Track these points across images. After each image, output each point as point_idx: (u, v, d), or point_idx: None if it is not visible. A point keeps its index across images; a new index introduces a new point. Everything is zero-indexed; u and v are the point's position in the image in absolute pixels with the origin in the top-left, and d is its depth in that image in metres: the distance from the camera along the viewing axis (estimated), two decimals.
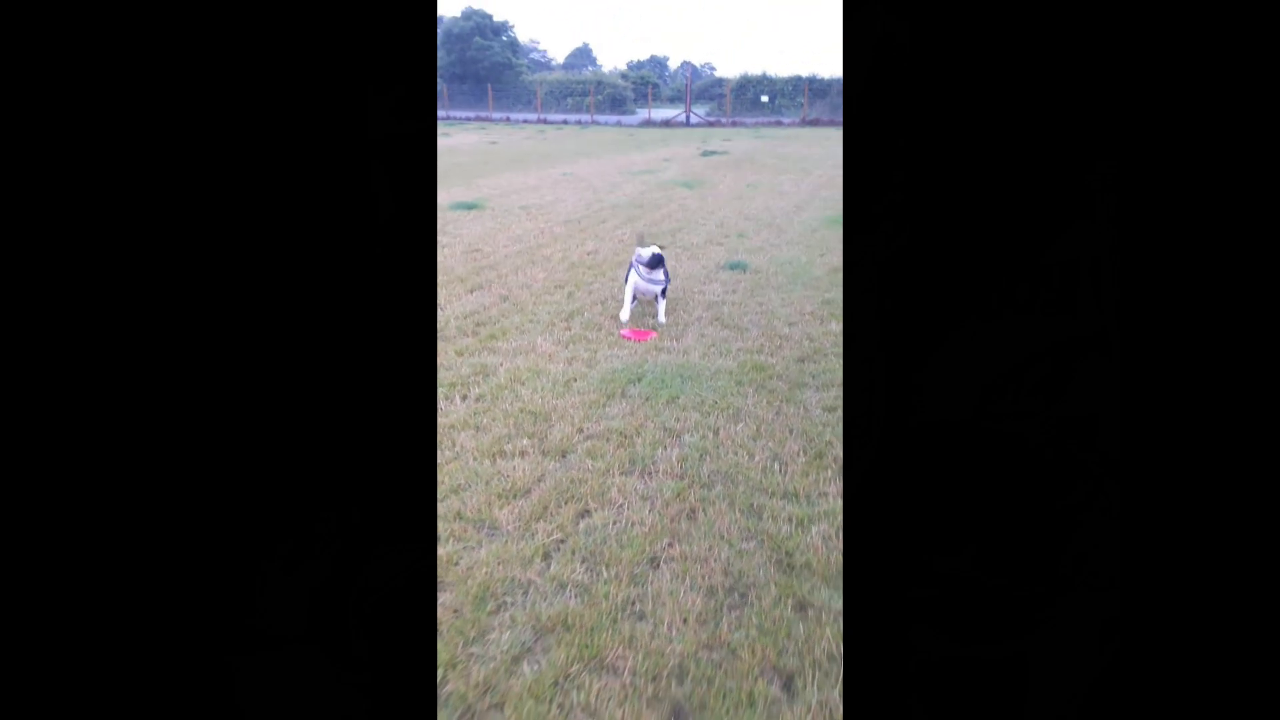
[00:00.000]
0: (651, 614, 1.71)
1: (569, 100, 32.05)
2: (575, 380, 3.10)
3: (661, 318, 3.83)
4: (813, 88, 26.71)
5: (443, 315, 3.99)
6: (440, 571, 1.86)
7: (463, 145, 16.36)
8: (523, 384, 3.06)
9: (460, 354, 3.42)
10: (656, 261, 3.71)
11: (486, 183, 9.66)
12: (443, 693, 1.49)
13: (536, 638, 1.65)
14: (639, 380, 3.08)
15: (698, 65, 68.73)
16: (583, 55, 72.74)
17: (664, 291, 3.80)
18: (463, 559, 1.91)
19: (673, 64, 68.64)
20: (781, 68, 32.52)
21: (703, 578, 1.83)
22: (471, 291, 4.50)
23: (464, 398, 2.93)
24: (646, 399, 2.89)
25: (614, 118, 28.62)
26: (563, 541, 1.99)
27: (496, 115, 29.74)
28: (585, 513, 2.13)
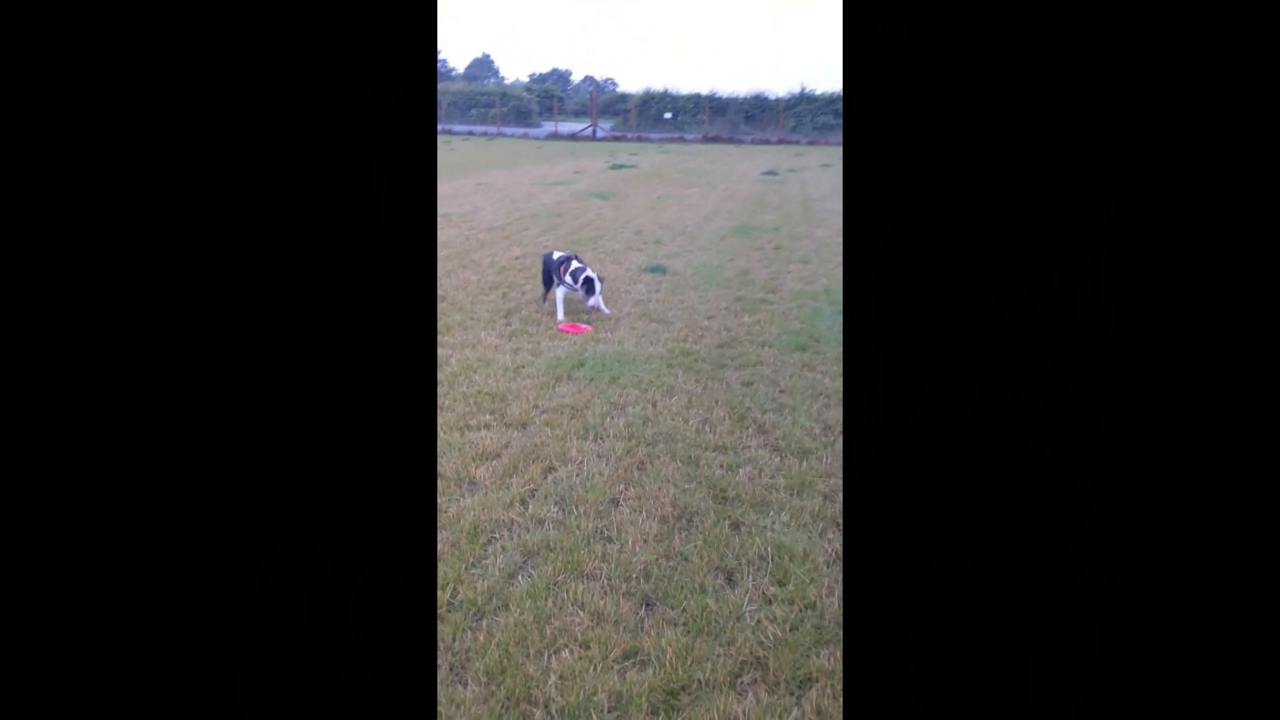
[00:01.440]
0: (617, 537, 2.11)
1: (473, 111, 31.88)
2: (523, 367, 3.46)
3: (603, 308, 4.35)
4: (712, 105, 27.95)
5: None
6: (439, 519, 2.17)
7: None
8: (475, 371, 3.38)
9: None
10: (564, 264, 4.27)
11: None
12: (455, 600, 1.82)
13: (525, 559, 2.01)
14: (581, 365, 3.47)
15: (599, 79, 69.47)
16: (483, 66, 72.08)
17: (590, 286, 4.19)
18: (450, 508, 2.24)
19: (575, 77, 69.22)
20: (681, 85, 33.63)
21: (655, 510, 2.25)
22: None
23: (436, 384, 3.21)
24: (591, 380, 3.29)
25: (520, 130, 28.79)
26: (535, 491, 2.35)
27: None
28: (550, 469, 2.50)
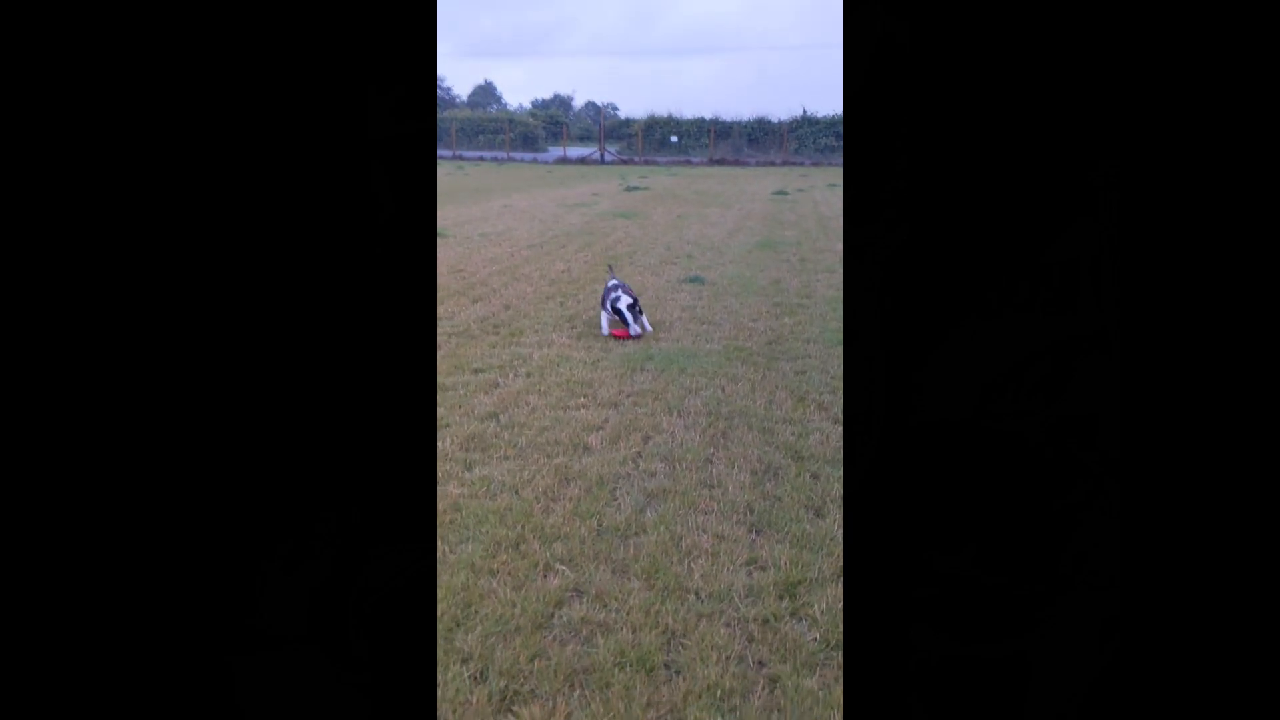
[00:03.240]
0: (719, 484, 2.56)
1: (480, 137, 32.64)
2: (599, 361, 3.92)
3: (646, 328, 4.44)
4: (716, 129, 28.74)
5: (461, 319, 4.72)
6: (565, 473, 2.62)
7: None
8: (558, 365, 3.85)
9: (493, 346, 4.17)
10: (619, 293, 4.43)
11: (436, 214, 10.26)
12: (602, 527, 2.27)
13: (648, 500, 2.46)
14: (650, 359, 3.93)
15: (600, 104, 70.55)
16: (486, 93, 73.34)
17: (630, 308, 4.30)
18: (573, 466, 2.69)
19: (576, 103, 70.45)
20: (684, 109, 34.54)
21: (745, 465, 2.70)
22: (475, 302, 5.23)
23: (516, 375, 3.68)
24: (661, 371, 3.75)
25: (529, 155, 29.51)
26: (640, 453, 2.81)
27: None
28: (648, 437, 2.95)
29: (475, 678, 1.64)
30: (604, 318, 4.47)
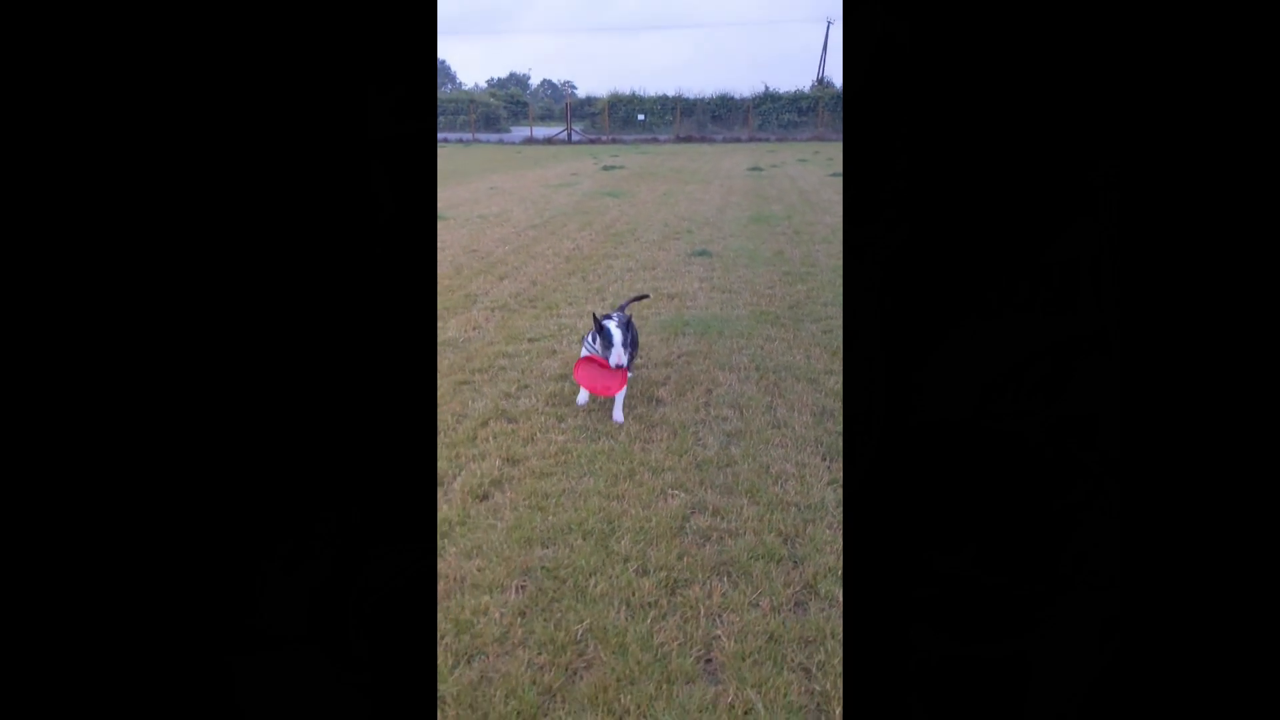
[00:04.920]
0: (786, 425, 2.95)
1: (441, 118, 32.22)
2: (640, 328, 4.26)
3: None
4: (681, 107, 28.95)
5: (497, 294, 5.01)
6: (647, 420, 2.98)
7: None
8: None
9: (537, 318, 4.48)
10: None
11: None
12: (696, 461, 2.64)
13: (727, 439, 2.84)
14: (687, 325, 4.29)
15: (557, 83, 69.69)
16: (441, 72, 71.87)
17: (624, 330, 2.98)
18: (652, 415, 3.05)
19: (533, 81, 69.45)
20: (645, 87, 34.63)
21: (804, 409, 3.10)
22: (501, 279, 5.51)
23: (569, 341, 4.01)
24: (701, 335, 4.12)
25: (494, 135, 29.30)
26: (707, 402, 3.18)
27: None
28: (709, 390, 3.33)
29: (638, 571, 2.01)
30: (585, 347, 3.10)
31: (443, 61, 75.59)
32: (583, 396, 3.14)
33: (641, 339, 4.03)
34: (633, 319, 3.28)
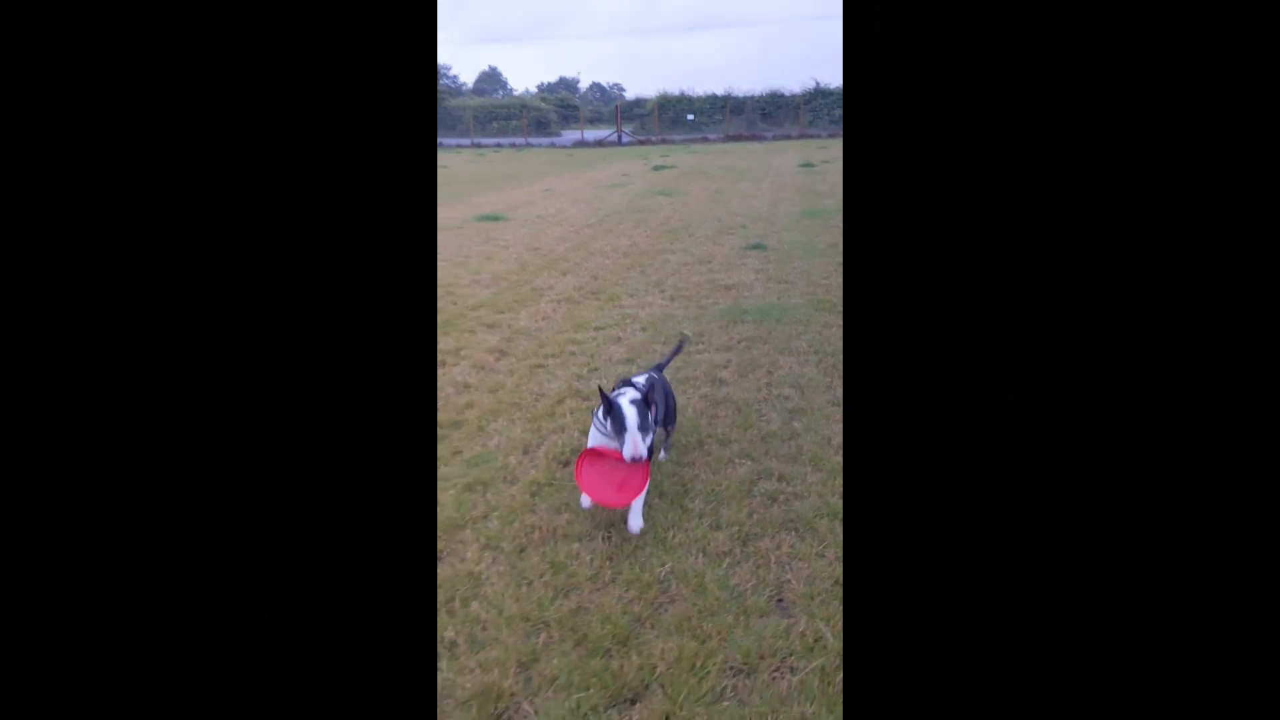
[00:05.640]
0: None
1: (494, 124, 33.01)
2: (700, 315, 4.45)
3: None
4: (731, 105, 29.00)
5: (562, 288, 5.27)
6: (712, 399, 3.17)
7: None
8: (665, 321, 4.38)
9: (600, 309, 4.71)
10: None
11: (484, 199, 10.80)
12: (767, 432, 2.81)
13: (791, 415, 3.00)
14: (745, 313, 4.46)
15: (606, 86, 70.24)
16: (491, 79, 73.29)
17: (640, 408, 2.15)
18: (716, 394, 3.24)
19: (582, 85, 70.28)
20: (693, 87, 34.72)
21: None
22: (564, 274, 5.76)
23: (632, 330, 4.23)
24: (759, 322, 4.28)
25: (545, 139, 29.88)
26: (769, 383, 3.35)
27: None
28: (771, 372, 3.49)
29: (711, 526, 2.21)
30: (593, 431, 2.29)
31: (494, 68, 77.11)
32: (586, 500, 2.22)
33: (699, 327, 4.23)
34: (666, 383, 2.47)
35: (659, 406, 2.30)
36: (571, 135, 30.13)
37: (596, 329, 4.31)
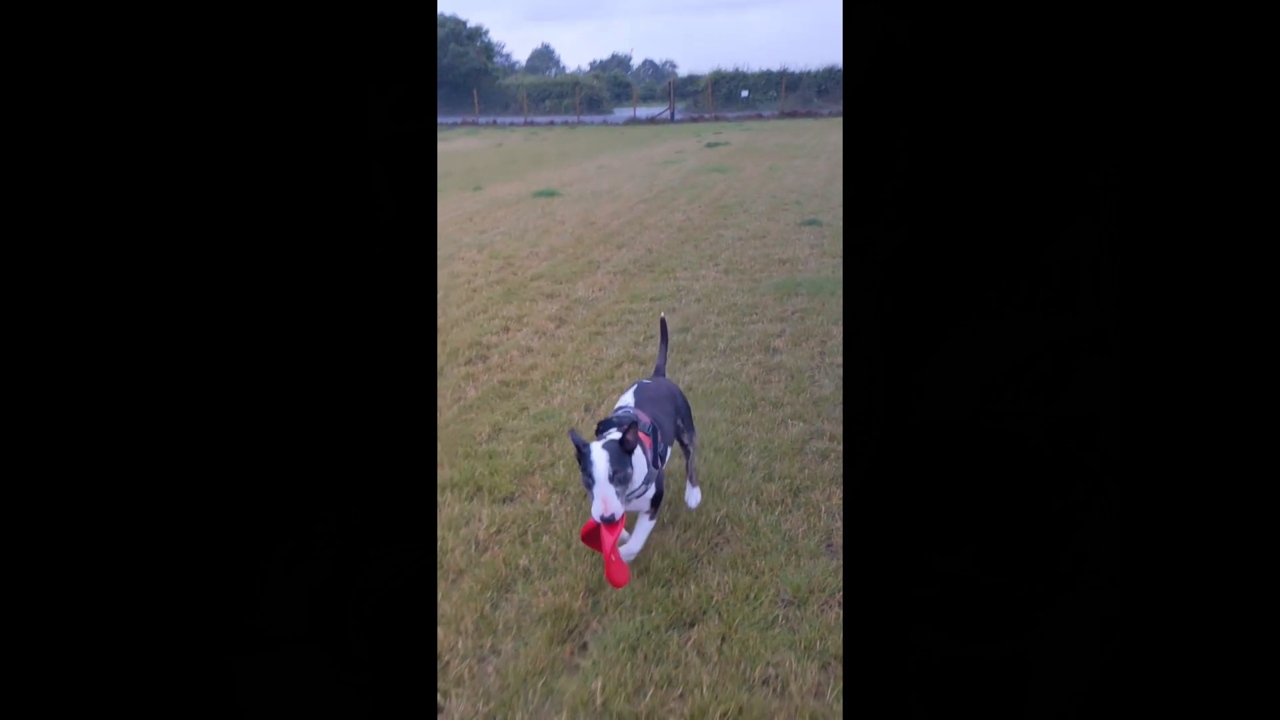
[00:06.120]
0: None
1: (546, 102, 33.20)
2: (753, 289, 4.54)
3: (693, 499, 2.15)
4: (787, 81, 28.50)
5: (617, 261, 5.41)
6: (764, 366, 3.28)
7: (470, 149, 17.57)
8: (719, 294, 4.48)
9: (655, 280, 4.84)
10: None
11: (539, 176, 10.99)
12: (818, 397, 2.91)
13: (839, 383, 3.09)
14: (798, 286, 4.53)
15: (658, 63, 69.61)
16: (544, 56, 73.43)
17: (655, 501, 1.88)
18: (769, 361, 3.34)
19: (634, 62, 69.86)
20: (748, 63, 34.08)
21: None
22: (619, 248, 5.90)
23: (687, 301, 4.35)
24: (813, 295, 4.35)
25: (597, 117, 29.94)
26: (822, 352, 3.43)
27: (482, 119, 30.84)
28: (824, 341, 3.57)
29: (765, 478, 2.33)
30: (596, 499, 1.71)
31: (546, 45, 77.14)
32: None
33: (753, 299, 4.31)
34: (671, 386, 2.16)
35: (663, 430, 1.93)
36: (624, 113, 30.09)
37: (652, 300, 4.44)
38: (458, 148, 17.86)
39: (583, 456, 1.73)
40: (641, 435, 1.82)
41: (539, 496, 2.30)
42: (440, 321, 4.15)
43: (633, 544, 1.87)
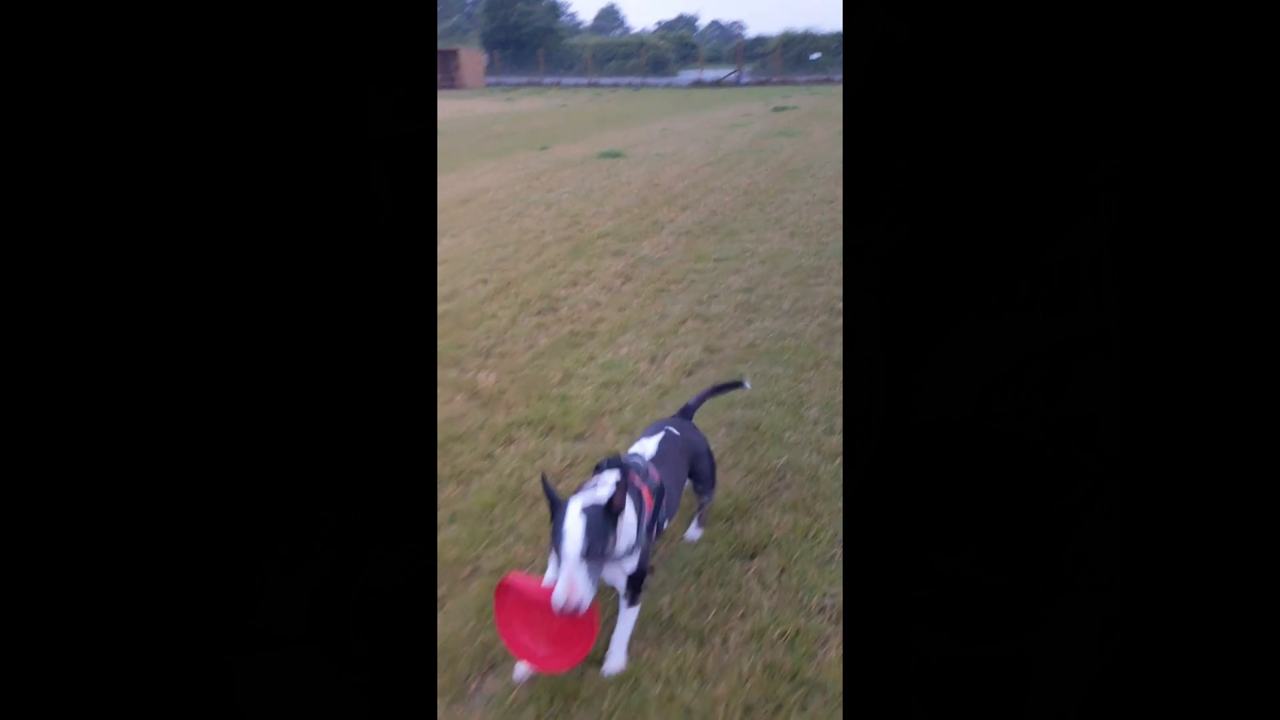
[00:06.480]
0: None
1: (611, 63, 32.88)
2: (820, 252, 4.55)
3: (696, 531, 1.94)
4: None
5: (681, 222, 5.47)
6: (828, 327, 3.32)
7: (535, 109, 17.62)
8: (784, 256, 4.51)
9: (719, 242, 4.90)
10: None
11: (604, 137, 11.02)
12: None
13: None
14: None
15: (725, 23, 67.82)
16: (610, 16, 72.41)
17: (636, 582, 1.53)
18: (833, 324, 3.37)
19: (701, 22, 68.25)
20: (821, 24, 32.81)
21: None
22: (684, 210, 5.95)
23: (752, 262, 4.39)
24: None
25: (662, 79, 29.55)
26: None
27: (547, 80, 30.81)
28: None
29: (826, 431, 2.41)
30: (561, 579, 1.35)
31: (612, 4, 76.10)
32: (519, 669, 1.50)
33: (819, 262, 4.32)
34: (694, 438, 1.86)
35: (669, 499, 1.61)
36: (689, 75, 29.61)
37: (716, 260, 4.50)
38: (523, 108, 17.97)
39: (555, 516, 1.36)
40: (645, 492, 1.50)
41: (608, 437, 2.44)
42: (511, 274, 4.30)
43: (614, 659, 1.48)
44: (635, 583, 1.50)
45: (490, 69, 31.52)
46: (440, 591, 1.72)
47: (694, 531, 1.93)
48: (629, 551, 1.44)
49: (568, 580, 1.29)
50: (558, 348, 3.25)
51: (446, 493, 2.11)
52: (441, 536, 1.90)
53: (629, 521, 1.43)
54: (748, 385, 2.24)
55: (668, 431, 1.78)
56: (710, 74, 28.75)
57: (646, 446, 1.72)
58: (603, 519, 1.35)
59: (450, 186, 7.25)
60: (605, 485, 1.45)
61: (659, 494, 1.57)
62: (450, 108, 17.54)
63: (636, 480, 1.51)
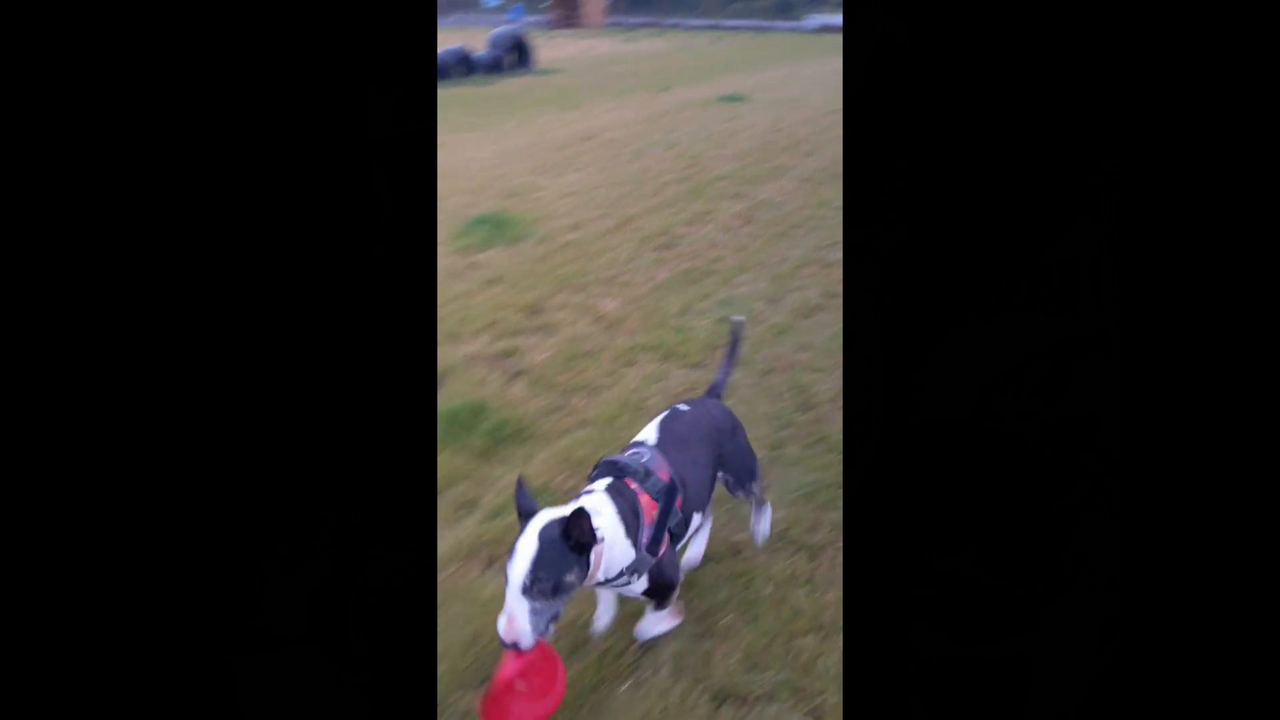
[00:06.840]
0: None
1: (735, 5, 31.68)
2: None
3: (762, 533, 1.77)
4: None
5: (804, 168, 5.35)
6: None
7: (655, 50, 17.34)
8: None
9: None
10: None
11: (725, 81, 10.79)
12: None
13: None
14: None
15: None
16: None
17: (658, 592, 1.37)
18: None
19: None
20: None
21: None
22: (806, 156, 5.83)
23: None
24: None
25: (789, 23, 28.28)
26: None
27: (669, 21, 30.14)
28: None
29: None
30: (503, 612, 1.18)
31: None
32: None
33: None
34: (722, 418, 1.60)
35: (689, 489, 1.37)
36: (816, 19, 28.17)
37: (838, 208, 4.41)
38: (643, 49, 17.75)
39: (521, 531, 1.19)
40: (645, 499, 1.29)
41: None
42: (630, 211, 4.39)
43: (638, 628, 1.34)
44: (658, 594, 1.32)
45: (612, 8, 31.13)
46: (568, 486, 1.88)
47: (761, 527, 1.68)
48: (630, 573, 1.25)
49: (508, 613, 1.14)
50: (676, 282, 3.33)
51: (575, 402, 2.27)
52: (570, 439, 2.06)
53: (616, 547, 1.23)
54: (739, 318, 1.89)
55: (673, 410, 1.51)
56: (838, 19, 27.22)
57: (647, 432, 1.45)
58: (559, 550, 1.15)
59: (573, 124, 7.36)
60: (597, 493, 1.27)
61: (666, 495, 1.31)
62: (572, 47, 17.51)
63: (633, 485, 1.29)
